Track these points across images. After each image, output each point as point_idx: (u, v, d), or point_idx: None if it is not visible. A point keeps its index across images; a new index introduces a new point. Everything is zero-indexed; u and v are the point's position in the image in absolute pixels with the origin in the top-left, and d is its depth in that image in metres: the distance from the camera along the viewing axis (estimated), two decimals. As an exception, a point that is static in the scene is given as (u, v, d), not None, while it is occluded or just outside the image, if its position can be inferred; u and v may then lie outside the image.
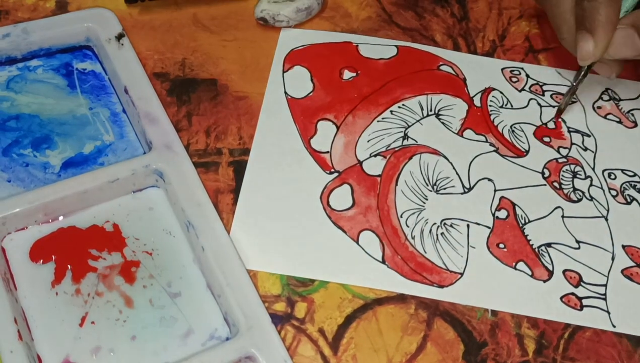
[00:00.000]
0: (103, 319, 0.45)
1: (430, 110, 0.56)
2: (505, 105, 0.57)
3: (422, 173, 0.53)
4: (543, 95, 0.58)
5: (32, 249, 0.47)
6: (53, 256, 0.47)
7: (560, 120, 0.57)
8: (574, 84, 0.55)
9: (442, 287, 0.48)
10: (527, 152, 0.55)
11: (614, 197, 0.54)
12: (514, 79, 0.59)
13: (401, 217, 0.51)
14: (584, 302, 0.49)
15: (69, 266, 0.46)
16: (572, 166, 0.55)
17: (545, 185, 0.54)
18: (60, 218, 0.48)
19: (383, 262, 0.49)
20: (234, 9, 0.60)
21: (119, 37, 0.55)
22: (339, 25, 0.60)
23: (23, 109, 0.53)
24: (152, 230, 0.49)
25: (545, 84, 0.59)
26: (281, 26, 0.59)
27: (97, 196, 0.49)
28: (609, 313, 0.48)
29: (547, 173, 0.54)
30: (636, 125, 0.57)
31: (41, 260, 0.47)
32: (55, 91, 0.54)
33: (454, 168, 0.54)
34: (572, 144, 0.56)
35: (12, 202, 0.47)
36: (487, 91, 0.58)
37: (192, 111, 0.54)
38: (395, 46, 0.59)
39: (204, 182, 0.50)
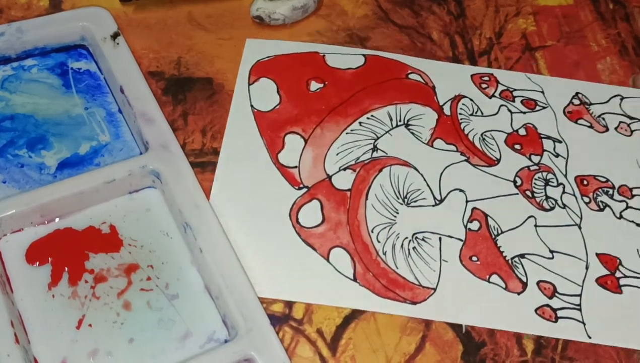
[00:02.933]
0: (100, 322, 0.45)
1: (400, 121, 0.55)
2: (476, 112, 0.56)
3: (392, 186, 0.52)
4: (513, 101, 0.57)
5: (28, 251, 0.47)
6: (49, 258, 0.47)
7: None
8: None
9: (415, 303, 0.48)
10: (499, 160, 0.54)
11: (586, 204, 0.53)
12: (484, 86, 0.58)
13: (372, 232, 0.50)
14: (559, 313, 0.48)
15: (65, 268, 0.46)
16: (544, 173, 0.54)
17: (517, 194, 0.53)
18: (57, 219, 0.48)
19: (354, 279, 0.48)
20: (229, 7, 0.60)
21: (115, 36, 0.55)
22: (335, 24, 0.60)
23: (18, 109, 0.53)
24: (149, 231, 0.48)
25: (515, 90, 0.58)
26: (277, 24, 0.59)
27: (94, 197, 0.48)
28: (584, 324, 0.48)
29: (519, 181, 0.53)
30: (607, 130, 0.57)
31: (37, 262, 0.46)
32: (50, 91, 0.54)
33: (424, 179, 0.53)
34: (543, 150, 0.55)
35: (7, 203, 0.47)
36: (457, 99, 0.57)
37: (187, 110, 0.54)
38: (363, 55, 0.59)
39: (200, 182, 0.49)
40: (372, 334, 0.46)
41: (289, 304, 0.47)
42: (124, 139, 0.52)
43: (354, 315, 0.47)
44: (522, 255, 0.50)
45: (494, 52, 0.60)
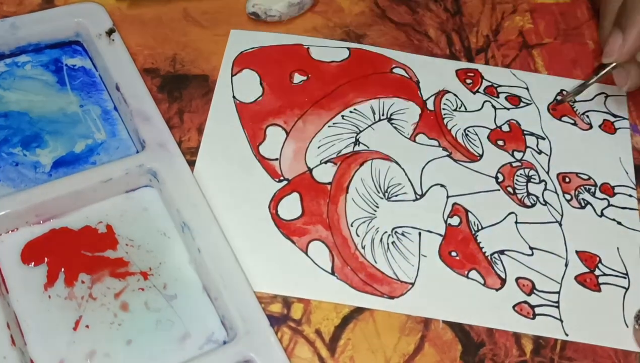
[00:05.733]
0: (98, 323, 0.44)
1: (383, 115, 0.55)
2: (459, 108, 0.56)
3: (373, 180, 0.52)
4: (498, 97, 0.57)
5: (23, 251, 0.46)
6: (45, 258, 0.46)
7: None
8: (589, 81, 0.54)
9: (392, 298, 0.48)
10: (481, 156, 0.54)
11: (568, 201, 0.53)
12: (468, 81, 0.58)
13: (351, 226, 0.50)
14: (537, 310, 0.48)
15: (62, 268, 0.46)
16: (527, 170, 0.54)
17: (498, 190, 0.53)
18: (52, 219, 0.47)
19: (332, 273, 0.48)
20: (225, 3, 0.59)
21: (110, 32, 0.54)
22: (332, 20, 0.60)
23: (12, 106, 0.52)
24: (146, 231, 0.48)
25: (499, 86, 0.58)
26: (273, 21, 0.58)
27: (90, 196, 0.48)
28: (561, 321, 0.48)
29: (500, 177, 0.53)
30: (591, 127, 0.57)
31: (33, 263, 0.46)
32: (44, 88, 0.53)
33: (406, 174, 0.53)
34: (526, 147, 0.55)
35: (2, 202, 0.46)
36: (440, 94, 0.57)
37: (183, 108, 0.54)
38: (347, 48, 0.58)
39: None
40: (370, 334, 0.46)
41: (287, 304, 0.47)
42: (120, 137, 0.52)
43: (352, 315, 0.47)
44: (501, 252, 0.50)
45: (491, 49, 0.60)
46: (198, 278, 0.46)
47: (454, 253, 0.50)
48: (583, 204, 0.53)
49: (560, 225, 0.52)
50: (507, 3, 0.63)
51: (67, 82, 0.54)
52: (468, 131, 0.55)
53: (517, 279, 0.49)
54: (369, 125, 0.54)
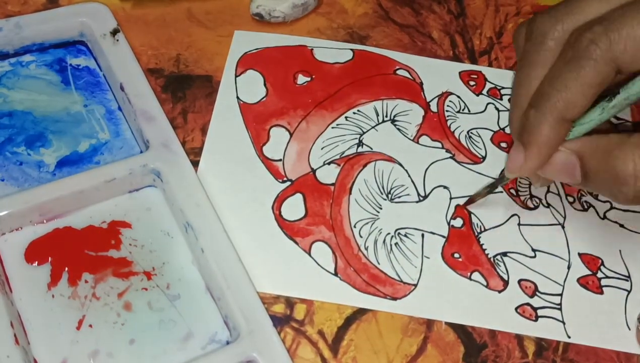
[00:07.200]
0: (101, 322, 0.44)
1: (386, 116, 0.55)
2: (463, 110, 0.56)
3: (376, 181, 0.52)
4: (501, 99, 0.57)
5: (27, 250, 0.46)
6: (49, 257, 0.46)
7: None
8: (493, 185, 0.51)
9: (395, 299, 0.48)
10: (484, 158, 0.54)
11: (571, 203, 0.53)
12: (472, 83, 0.58)
13: (354, 227, 0.50)
14: (539, 312, 0.48)
15: (65, 268, 0.46)
16: None
17: (501, 192, 0.53)
18: (56, 218, 0.47)
19: (335, 274, 0.48)
20: (228, 3, 0.59)
21: (114, 32, 0.54)
22: (335, 22, 0.60)
23: (16, 106, 0.52)
24: (149, 231, 0.48)
25: (503, 88, 0.58)
26: (277, 22, 0.58)
27: (94, 196, 0.48)
28: (564, 323, 0.48)
29: None
30: None
31: (36, 262, 0.46)
32: (48, 87, 0.53)
33: (409, 175, 0.53)
34: None
35: (5, 202, 0.46)
36: (444, 96, 0.57)
37: (187, 108, 0.54)
38: (351, 50, 0.58)
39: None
40: (373, 335, 0.46)
41: (290, 305, 0.47)
42: (124, 137, 0.52)
43: (355, 316, 0.47)
44: (504, 254, 0.50)
45: (495, 51, 0.60)
46: (201, 278, 0.46)
47: (456, 255, 0.50)
48: (586, 207, 0.53)
49: (563, 227, 0.52)
50: (511, 5, 0.63)
51: (71, 81, 0.54)
52: (471, 133, 0.55)
53: (519, 281, 0.49)
54: (372, 127, 0.55)
